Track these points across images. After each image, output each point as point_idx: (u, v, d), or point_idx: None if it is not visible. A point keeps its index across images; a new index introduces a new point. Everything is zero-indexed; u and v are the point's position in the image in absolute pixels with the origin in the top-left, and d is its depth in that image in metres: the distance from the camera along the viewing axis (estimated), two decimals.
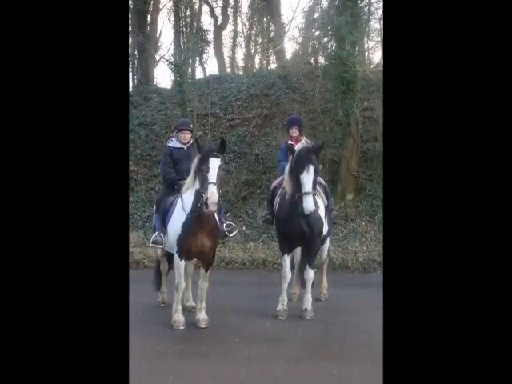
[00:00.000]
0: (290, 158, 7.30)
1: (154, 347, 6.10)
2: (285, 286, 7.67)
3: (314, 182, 6.91)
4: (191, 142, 7.78)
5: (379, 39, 20.22)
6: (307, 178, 6.83)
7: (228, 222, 7.65)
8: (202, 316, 7.02)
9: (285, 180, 7.42)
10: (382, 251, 11.23)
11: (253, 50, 27.04)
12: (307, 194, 6.78)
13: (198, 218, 6.60)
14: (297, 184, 6.93)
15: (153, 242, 7.42)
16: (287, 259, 7.70)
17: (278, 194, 7.98)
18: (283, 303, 7.62)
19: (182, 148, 7.77)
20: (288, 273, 7.67)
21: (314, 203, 6.88)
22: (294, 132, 8.44)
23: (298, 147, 7.42)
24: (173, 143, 7.89)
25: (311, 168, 6.87)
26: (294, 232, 7.35)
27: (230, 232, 7.48)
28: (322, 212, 7.54)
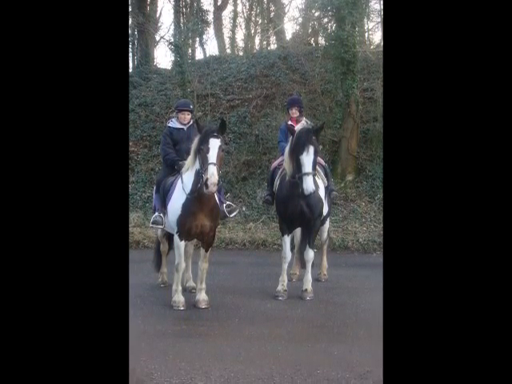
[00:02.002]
0: (290, 138, 7.27)
1: (154, 327, 6.12)
2: (285, 266, 7.69)
3: (314, 163, 6.88)
4: (191, 122, 7.76)
5: (379, 20, 20.12)
6: (307, 158, 6.81)
7: (228, 203, 7.64)
8: (201, 296, 7.04)
9: (285, 161, 7.40)
10: (381, 232, 11.38)
11: (253, 31, 26.96)
12: (307, 174, 6.77)
13: (197, 198, 6.59)
14: (297, 165, 6.91)
15: (153, 223, 7.42)
16: (287, 240, 7.71)
17: (278, 175, 7.96)
18: (283, 284, 7.65)
19: (182, 128, 7.75)
20: (288, 253, 7.69)
21: (314, 184, 6.86)
22: (294, 113, 8.43)
23: (297, 128, 7.39)
24: (173, 124, 7.87)
25: (311, 149, 6.84)
26: (294, 213, 7.35)
27: (230, 212, 7.48)
28: (321, 193, 7.54)
